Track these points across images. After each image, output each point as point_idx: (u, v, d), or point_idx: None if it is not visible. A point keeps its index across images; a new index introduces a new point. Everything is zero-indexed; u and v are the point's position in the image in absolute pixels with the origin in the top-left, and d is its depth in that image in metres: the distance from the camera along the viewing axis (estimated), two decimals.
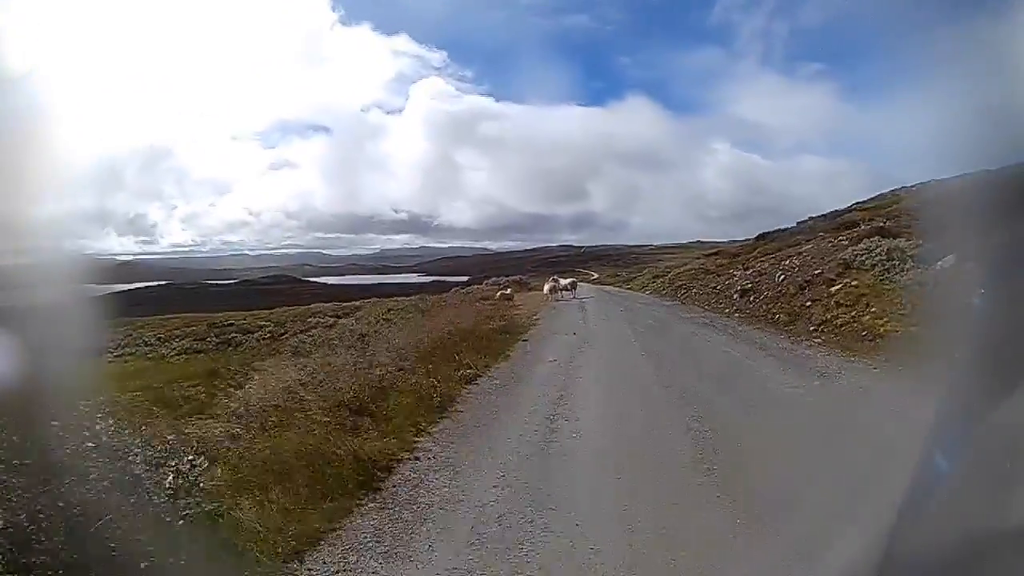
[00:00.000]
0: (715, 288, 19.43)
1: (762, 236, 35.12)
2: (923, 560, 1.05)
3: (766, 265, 18.68)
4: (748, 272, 18.91)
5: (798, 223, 32.75)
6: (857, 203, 32.20)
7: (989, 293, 1.17)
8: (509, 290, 25.93)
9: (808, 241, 23.08)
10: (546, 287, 24.83)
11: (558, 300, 23.37)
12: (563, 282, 25.11)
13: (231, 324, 34.43)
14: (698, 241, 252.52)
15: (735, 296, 16.55)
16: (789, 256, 17.41)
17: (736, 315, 14.99)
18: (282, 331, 27.42)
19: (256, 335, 29.17)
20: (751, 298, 15.67)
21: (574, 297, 24.09)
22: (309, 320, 28.01)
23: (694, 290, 21.85)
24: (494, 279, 31.41)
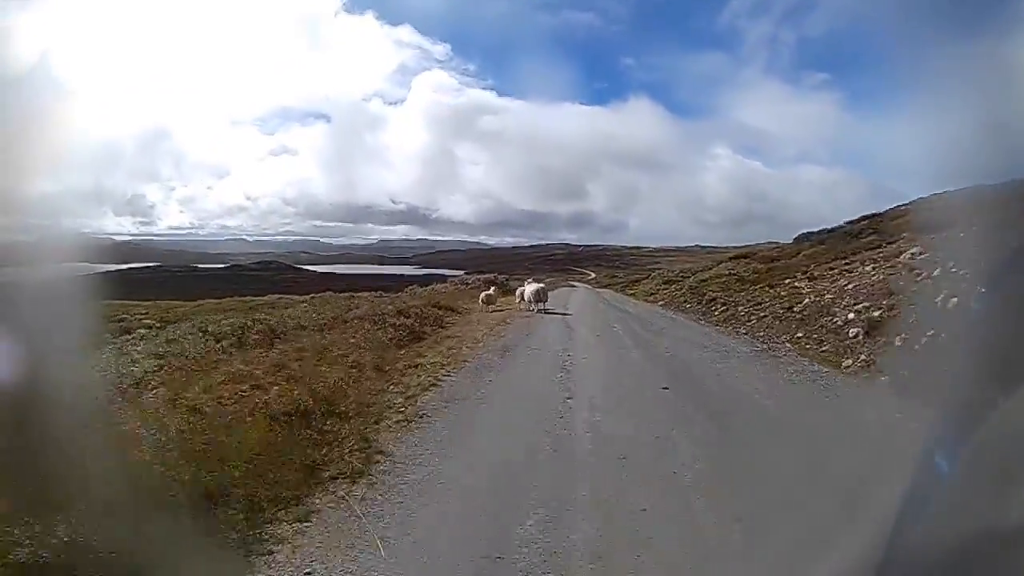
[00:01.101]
0: (788, 310, 11.54)
1: (803, 237, 27.77)
2: (923, 560, 1.00)
3: (879, 275, 10.91)
4: (846, 287, 11.10)
5: (847, 222, 26.04)
6: (900, 205, 26.04)
7: (988, 294, 1.11)
8: (493, 289, 18.19)
9: (889, 243, 15.69)
10: (523, 293, 16.83)
11: (531, 312, 15.85)
12: (529, 289, 16.98)
13: (123, 319, 26.56)
14: (697, 245, 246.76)
15: (854, 333, 8.67)
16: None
17: (889, 378, 7.06)
18: (156, 333, 19.63)
19: (130, 336, 21.32)
20: (894, 341, 7.82)
21: (544, 311, 16.22)
22: (199, 319, 20.17)
23: (741, 308, 13.96)
24: (460, 276, 23.43)
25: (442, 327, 11.71)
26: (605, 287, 55.41)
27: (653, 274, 30.55)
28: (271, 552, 3.19)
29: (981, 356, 1.07)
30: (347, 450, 4.52)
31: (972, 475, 0.94)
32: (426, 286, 24.25)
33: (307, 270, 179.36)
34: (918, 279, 9.57)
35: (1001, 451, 0.90)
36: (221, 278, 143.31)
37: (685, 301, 18.49)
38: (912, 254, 11.42)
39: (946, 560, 0.92)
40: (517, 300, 16.45)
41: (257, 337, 8.67)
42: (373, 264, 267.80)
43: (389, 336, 8.87)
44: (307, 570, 3.06)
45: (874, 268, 11.96)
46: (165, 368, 6.45)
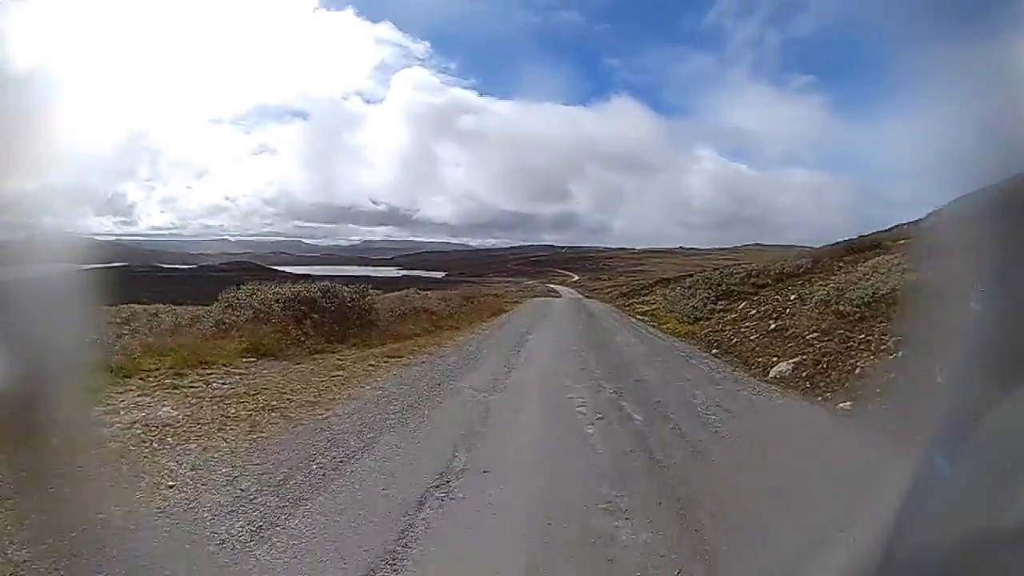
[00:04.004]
0: None
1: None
2: (923, 560, 0.98)
3: None
4: None
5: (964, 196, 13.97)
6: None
7: (988, 293, 1.05)
8: None
9: None
10: None
11: None
12: None
13: None
14: (680, 247, 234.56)
15: None
16: None
17: None
18: None
19: None
20: None
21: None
22: None
23: None
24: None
25: None
26: (593, 292, 41.72)
27: (692, 280, 16.60)
28: None
29: (981, 357, 1.00)
30: None
31: (972, 475, 0.90)
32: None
33: (279, 271, 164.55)
34: None
35: (1001, 451, 0.85)
36: (184, 279, 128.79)
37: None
38: None
39: (946, 560, 0.88)
40: None
41: None
42: (356, 265, 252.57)
43: None
44: None
45: None
46: None
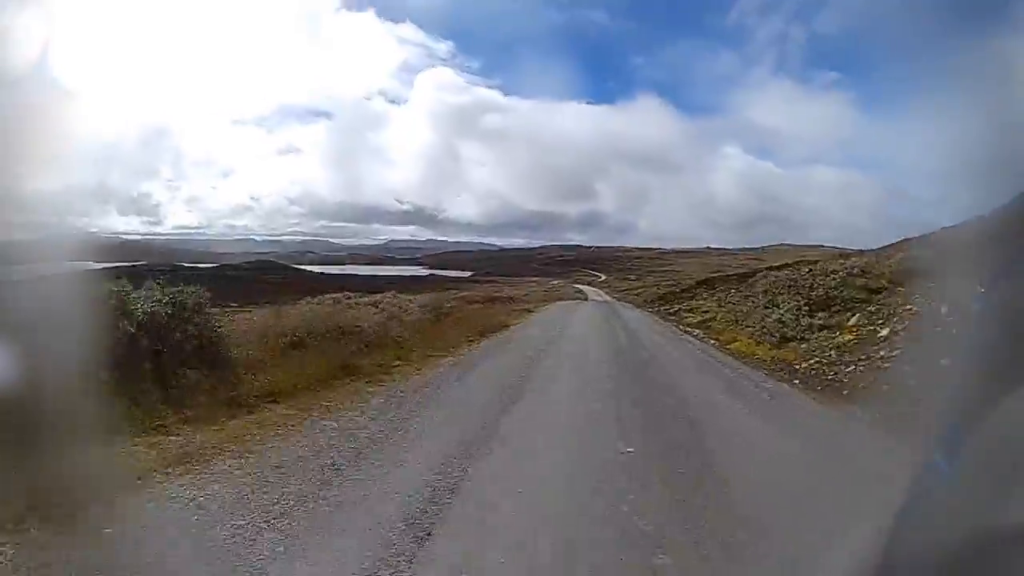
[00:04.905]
0: None
1: None
2: (923, 561, 0.86)
3: None
4: None
5: None
6: None
7: (988, 292, 0.91)
8: None
9: None
10: None
11: None
12: None
13: None
14: (708, 247, 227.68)
15: None
16: None
17: None
18: None
19: None
20: None
21: None
22: None
23: None
24: None
25: None
26: (624, 294, 37.90)
27: (767, 282, 12.50)
28: None
29: (981, 356, 0.92)
30: None
31: (972, 475, 0.83)
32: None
33: (303, 271, 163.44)
34: None
35: (1001, 451, 0.78)
36: (203, 278, 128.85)
37: None
38: None
39: (946, 561, 0.80)
40: None
41: None
42: (382, 264, 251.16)
43: None
44: None
45: None
46: None
